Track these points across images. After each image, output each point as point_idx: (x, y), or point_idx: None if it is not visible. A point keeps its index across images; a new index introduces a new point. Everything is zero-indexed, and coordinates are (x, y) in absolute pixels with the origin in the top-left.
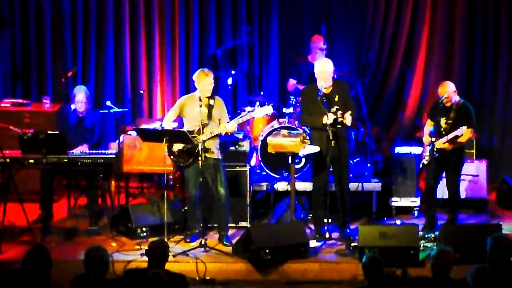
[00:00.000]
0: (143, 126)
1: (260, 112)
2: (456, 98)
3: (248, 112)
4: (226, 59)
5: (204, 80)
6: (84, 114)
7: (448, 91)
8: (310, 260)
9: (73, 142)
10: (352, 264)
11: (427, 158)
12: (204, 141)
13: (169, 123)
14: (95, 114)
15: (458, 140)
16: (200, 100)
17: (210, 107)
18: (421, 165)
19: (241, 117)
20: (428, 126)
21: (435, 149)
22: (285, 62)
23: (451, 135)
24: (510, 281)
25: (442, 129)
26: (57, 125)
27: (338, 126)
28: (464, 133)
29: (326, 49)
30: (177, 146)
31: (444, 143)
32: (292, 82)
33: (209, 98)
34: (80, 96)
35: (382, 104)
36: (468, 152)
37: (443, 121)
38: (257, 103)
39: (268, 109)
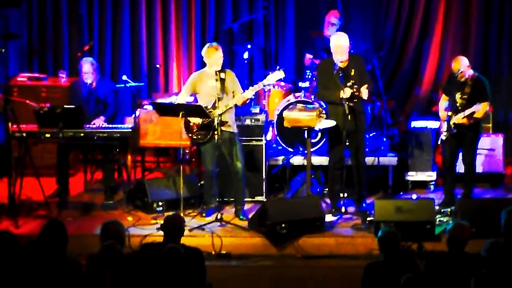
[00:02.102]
0: (159, 101)
1: (272, 78)
2: (470, 72)
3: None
4: (242, 33)
5: (214, 55)
6: (96, 86)
7: (462, 65)
8: (326, 234)
9: (87, 115)
10: (368, 239)
11: (445, 133)
12: (220, 115)
13: (182, 101)
14: (105, 85)
15: (475, 115)
16: (216, 74)
17: (222, 81)
18: (439, 141)
19: (255, 86)
20: (443, 101)
21: (452, 124)
22: (301, 37)
23: (467, 111)
24: None
25: (458, 104)
26: (69, 99)
27: (355, 100)
28: (480, 109)
29: (338, 24)
30: (194, 121)
31: (462, 118)
32: (308, 56)
33: (219, 72)
34: (86, 67)
35: (398, 78)
36: (484, 126)
37: (458, 96)
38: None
39: (280, 74)
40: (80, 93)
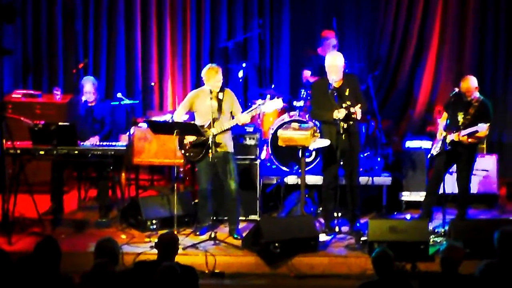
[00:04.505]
0: (154, 118)
1: (270, 106)
2: (476, 93)
3: (259, 105)
4: (237, 51)
5: (214, 78)
6: (94, 105)
7: (470, 85)
8: (319, 254)
9: (83, 133)
10: (362, 259)
11: (437, 149)
12: (214, 135)
13: (179, 118)
14: (104, 105)
15: (478, 134)
16: (211, 92)
17: (219, 101)
18: (429, 155)
19: (252, 110)
20: (443, 120)
21: (448, 140)
22: (296, 55)
23: (471, 129)
24: None
25: (459, 124)
26: (67, 117)
27: (350, 122)
28: (485, 128)
29: (337, 44)
30: (188, 139)
31: (463, 136)
32: (306, 73)
33: (218, 91)
34: (88, 87)
35: (393, 98)
36: (479, 147)
37: (460, 115)
38: (268, 96)
39: (278, 103)
40: (78, 111)
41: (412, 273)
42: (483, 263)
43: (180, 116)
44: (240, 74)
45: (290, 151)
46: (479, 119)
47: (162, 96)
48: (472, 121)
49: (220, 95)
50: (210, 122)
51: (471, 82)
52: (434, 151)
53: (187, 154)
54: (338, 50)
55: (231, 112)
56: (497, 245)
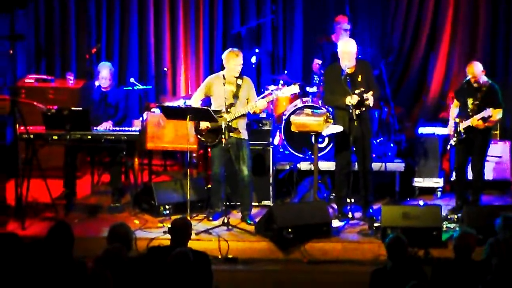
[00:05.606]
0: (167, 104)
1: (287, 91)
2: (484, 78)
3: (274, 91)
4: (250, 37)
5: (234, 60)
6: (108, 91)
7: (476, 71)
8: (332, 239)
9: (96, 118)
10: (375, 244)
11: (454, 139)
12: (229, 121)
13: (196, 102)
14: (119, 91)
15: (492, 118)
16: (224, 78)
17: (237, 87)
18: (448, 146)
19: (268, 95)
20: (454, 107)
21: (461, 129)
22: (309, 41)
23: (479, 116)
24: None
25: (469, 110)
26: (80, 102)
27: (362, 108)
28: (491, 114)
29: (350, 29)
30: (204, 124)
31: (478, 120)
32: (317, 62)
33: (237, 78)
34: (105, 72)
35: (406, 84)
36: (492, 134)
37: (470, 101)
38: (281, 81)
39: (295, 88)
40: (92, 96)
41: (425, 259)
42: (487, 244)
43: (197, 100)
44: (253, 60)
45: (303, 137)
46: (488, 104)
47: (175, 81)
48: (481, 106)
49: (239, 81)
50: (226, 108)
51: (475, 67)
52: (452, 142)
53: (203, 139)
54: (351, 36)
55: (247, 100)
56: (499, 231)
